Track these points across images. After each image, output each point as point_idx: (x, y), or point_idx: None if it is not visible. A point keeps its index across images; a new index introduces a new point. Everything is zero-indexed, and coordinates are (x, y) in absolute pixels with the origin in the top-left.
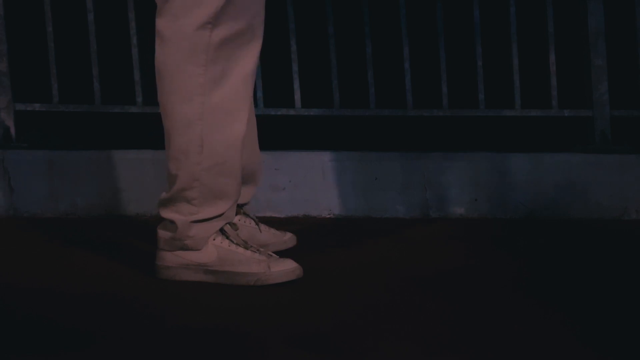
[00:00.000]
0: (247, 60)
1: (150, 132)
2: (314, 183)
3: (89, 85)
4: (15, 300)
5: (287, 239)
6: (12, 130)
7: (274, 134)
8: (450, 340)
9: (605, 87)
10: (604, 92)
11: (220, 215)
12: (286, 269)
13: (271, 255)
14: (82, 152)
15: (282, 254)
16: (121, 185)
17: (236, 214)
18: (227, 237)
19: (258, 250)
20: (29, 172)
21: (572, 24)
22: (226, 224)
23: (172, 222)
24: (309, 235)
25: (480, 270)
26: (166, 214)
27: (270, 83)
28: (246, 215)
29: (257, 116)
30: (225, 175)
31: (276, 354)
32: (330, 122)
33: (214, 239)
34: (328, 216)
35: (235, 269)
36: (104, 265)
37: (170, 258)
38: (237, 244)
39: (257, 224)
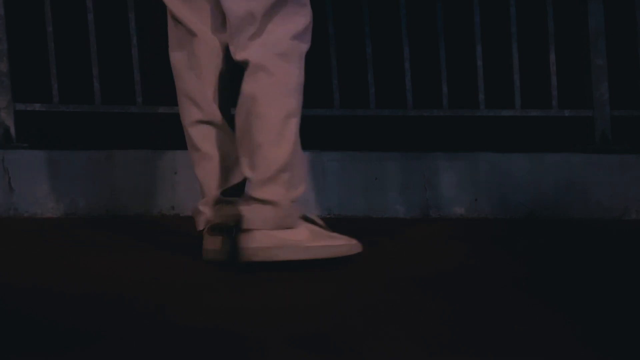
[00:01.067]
0: None
1: (150, 132)
2: (314, 183)
3: (89, 85)
4: (15, 300)
5: None
6: (12, 130)
7: None
8: (450, 340)
9: (605, 87)
10: (604, 92)
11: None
12: (353, 241)
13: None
14: (82, 152)
15: None
16: (121, 185)
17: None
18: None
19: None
20: (29, 172)
21: (572, 24)
22: None
23: (271, 202)
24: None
25: (480, 270)
26: (265, 194)
27: None
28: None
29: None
30: (303, 159)
31: (276, 354)
32: (330, 122)
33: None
34: (328, 216)
35: (328, 242)
36: (104, 265)
37: (266, 239)
38: (313, 220)
39: None
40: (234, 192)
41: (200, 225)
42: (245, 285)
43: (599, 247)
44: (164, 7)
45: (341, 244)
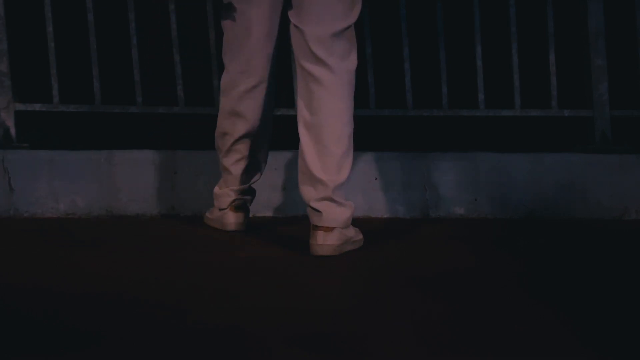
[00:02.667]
0: None
1: (150, 132)
2: None
3: (89, 85)
4: (15, 300)
5: None
6: (12, 131)
7: (275, 134)
8: (450, 340)
9: (605, 87)
10: (604, 92)
11: None
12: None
13: None
14: (82, 152)
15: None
16: (121, 185)
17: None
18: None
19: None
20: (29, 172)
21: (572, 24)
22: None
23: (345, 205)
24: (308, 236)
25: (480, 270)
26: (342, 197)
27: None
28: None
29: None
30: None
31: (276, 354)
32: None
33: None
34: None
35: (359, 236)
36: (104, 265)
37: (340, 237)
38: None
39: None
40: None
41: (224, 204)
42: (245, 285)
43: (598, 247)
44: (164, 8)
45: (361, 238)
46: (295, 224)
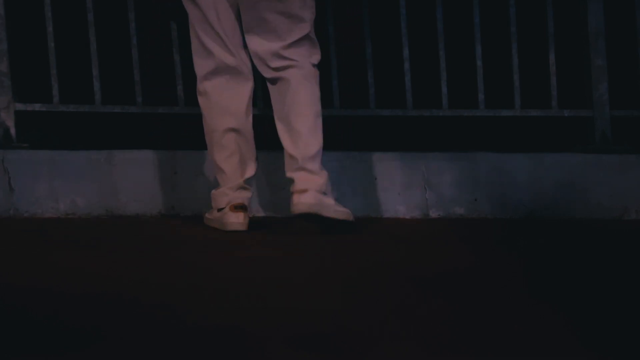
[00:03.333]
0: None
1: (150, 132)
2: None
3: (89, 85)
4: (15, 300)
5: None
6: (13, 131)
7: (274, 133)
8: (450, 340)
9: (605, 87)
10: (604, 92)
11: None
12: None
13: None
14: (83, 152)
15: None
16: (121, 185)
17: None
18: None
19: None
20: (29, 172)
21: (572, 24)
22: None
23: (317, 172)
24: (308, 235)
25: (480, 270)
26: (314, 167)
27: None
28: None
29: (257, 116)
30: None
31: (276, 354)
32: (330, 122)
33: None
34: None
35: (342, 208)
36: (104, 265)
37: (314, 198)
38: None
39: None
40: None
41: (222, 204)
42: (245, 285)
43: (598, 247)
44: (164, 7)
45: (348, 210)
46: (295, 224)
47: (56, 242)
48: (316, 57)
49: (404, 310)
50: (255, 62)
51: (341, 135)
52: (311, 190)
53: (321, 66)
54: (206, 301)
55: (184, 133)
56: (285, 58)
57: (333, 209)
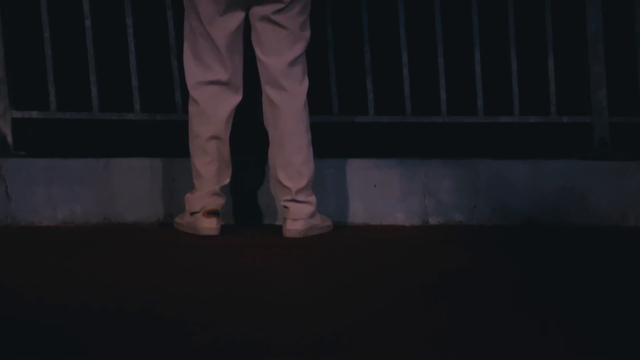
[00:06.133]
0: None
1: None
2: (313, 190)
3: (86, 91)
4: (12, 309)
5: None
6: (9, 138)
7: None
8: (452, 346)
9: (604, 93)
10: (603, 98)
11: None
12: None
13: None
14: (80, 160)
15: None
16: (119, 192)
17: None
18: None
19: None
20: (26, 180)
21: (571, 29)
22: None
23: (307, 201)
24: (308, 243)
25: (479, 277)
26: (306, 196)
27: None
28: None
29: (255, 124)
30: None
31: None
32: (329, 129)
33: None
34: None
35: (326, 223)
36: (103, 274)
37: (305, 225)
38: None
39: None
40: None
41: (196, 208)
42: (247, 292)
43: (598, 254)
44: (162, 13)
45: (330, 224)
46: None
47: (54, 251)
48: (306, 84)
49: (404, 317)
50: (260, 74)
51: (340, 142)
52: (303, 218)
53: (320, 72)
54: (207, 309)
55: (183, 140)
56: (283, 80)
57: (319, 228)
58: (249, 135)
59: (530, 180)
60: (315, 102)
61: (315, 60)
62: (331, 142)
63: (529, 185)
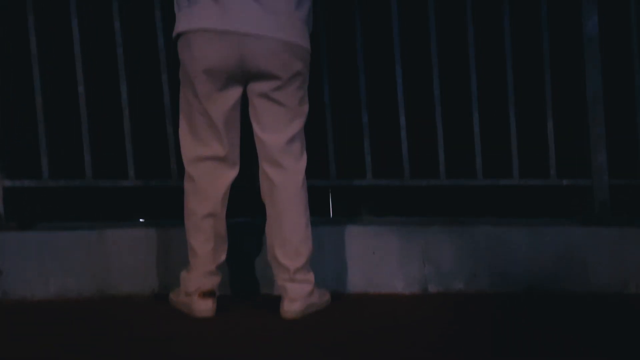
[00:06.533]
0: None
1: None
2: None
3: (79, 157)
4: None
5: None
6: (1, 209)
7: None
8: None
9: (604, 156)
10: (603, 161)
11: None
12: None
13: None
14: (73, 232)
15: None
16: (113, 264)
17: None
18: None
19: None
20: (18, 254)
21: (571, 90)
22: None
23: (305, 280)
24: (306, 322)
25: (479, 347)
26: (303, 274)
27: None
28: None
29: (252, 188)
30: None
31: None
32: (327, 193)
33: None
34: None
35: (324, 298)
36: (97, 351)
37: (302, 304)
38: None
39: None
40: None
41: (191, 288)
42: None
43: (599, 322)
44: (157, 78)
45: (328, 298)
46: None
47: (47, 326)
48: (304, 160)
49: None
50: (258, 150)
51: (338, 205)
52: (300, 299)
53: (317, 135)
54: None
55: (178, 207)
56: (281, 158)
57: (317, 306)
58: (245, 198)
59: (530, 247)
60: (314, 166)
61: (312, 123)
62: (329, 205)
63: (529, 252)
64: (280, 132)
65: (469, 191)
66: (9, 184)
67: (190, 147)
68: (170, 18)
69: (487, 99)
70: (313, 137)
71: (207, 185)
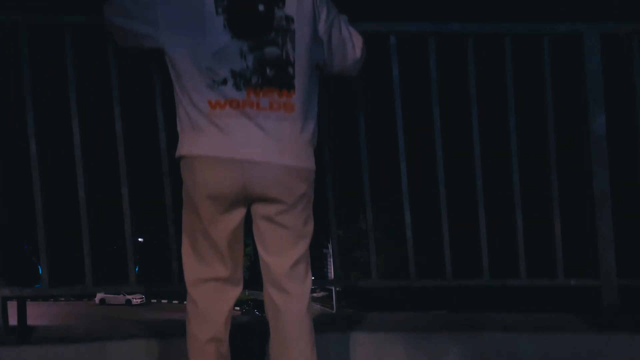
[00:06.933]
0: None
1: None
2: None
3: (79, 264)
4: None
5: None
6: (0, 320)
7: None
8: None
9: (611, 256)
10: (611, 260)
11: None
12: None
13: None
14: (73, 346)
15: None
16: None
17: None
18: None
19: None
20: None
21: (577, 188)
22: None
23: None
24: None
25: None
26: None
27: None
28: None
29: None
30: None
31: None
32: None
33: None
34: None
35: None
36: None
37: None
38: None
39: None
40: None
41: None
42: None
43: None
44: (159, 182)
45: None
46: None
47: None
48: (309, 281)
49: None
50: (263, 273)
51: (343, 308)
52: None
53: (319, 241)
54: None
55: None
56: (285, 283)
57: None
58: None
59: (537, 354)
60: (316, 268)
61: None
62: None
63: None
64: (284, 255)
65: (476, 289)
66: (8, 294)
67: (192, 268)
68: (170, 112)
69: (493, 197)
70: (317, 239)
71: (209, 308)
